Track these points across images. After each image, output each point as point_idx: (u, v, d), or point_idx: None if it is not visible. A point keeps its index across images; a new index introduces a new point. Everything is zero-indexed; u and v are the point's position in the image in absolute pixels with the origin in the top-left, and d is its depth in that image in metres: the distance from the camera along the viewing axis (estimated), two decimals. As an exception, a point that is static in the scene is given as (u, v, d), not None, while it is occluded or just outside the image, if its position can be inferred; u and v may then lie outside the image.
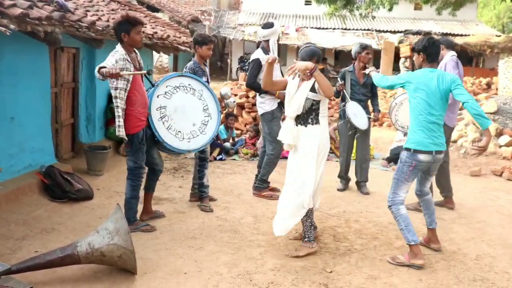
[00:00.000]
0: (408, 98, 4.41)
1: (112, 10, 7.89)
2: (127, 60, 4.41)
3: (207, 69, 5.68)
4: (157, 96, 4.82)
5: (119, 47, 4.46)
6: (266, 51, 5.87)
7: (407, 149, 4.30)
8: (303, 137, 4.34)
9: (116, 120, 4.41)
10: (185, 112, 4.99)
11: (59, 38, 4.89)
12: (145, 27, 7.98)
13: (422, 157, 4.24)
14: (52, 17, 4.71)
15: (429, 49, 4.37)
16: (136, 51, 4.65)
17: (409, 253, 4.26)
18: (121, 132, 4.42)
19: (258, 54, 5.93)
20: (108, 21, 6.18)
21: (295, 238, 4.71)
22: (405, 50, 10.85)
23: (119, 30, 4.46)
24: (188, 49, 9.61)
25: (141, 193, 4.93)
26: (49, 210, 5.21)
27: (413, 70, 5.13)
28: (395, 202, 4.35)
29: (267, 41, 5.85)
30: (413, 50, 4.54)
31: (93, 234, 3.75)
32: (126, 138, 4.49)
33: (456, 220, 5.59)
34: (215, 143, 8.46)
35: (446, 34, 23.28)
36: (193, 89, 5.12)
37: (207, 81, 5.55)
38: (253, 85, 5.93)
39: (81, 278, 3.72)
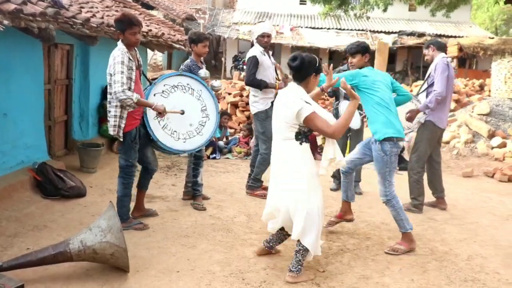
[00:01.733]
0: (368, 92, 4.59)
1: (107, 7, 7.85)
2: (129, 58, 4.41)
3: (204, 67, 5.69)
4: (154, 95, 4.80)
5: (120, 44, 4.46)
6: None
7: (390, 139, 4.48)
8: None
9: (115, 120, 4.41)
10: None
11: (53, 35, 4.86)
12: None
13: (400, 143, 4.61)
14: (46, 13, 4.68)
15: (369, 50, 4.90)
16: (135, 48, 4.64)
17: (406, 241, 4.56)
18: (119, 132, 4.44)
19: (254, 51, 5.93)
20: (102, 18, 6.15)
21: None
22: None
23: (116, 27, 4.50)
24: (183, 47, 9.60)
25: (134, 190, 4.92)
26: (41, 207, 5.19)
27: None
28: (393, 194, 4.53)
29: None
30: (357, 52, 4.84)
31: (85, 231, 3.74)
32: (122, 138, 4.49)
33: (448, 220, 5.61)
34: (212, 142, 8.48)
35: (440, 36, 23.39)
36: (191, 88, 5.09)
37: None
38: (252, 83, 5.93)
39: (73, 275, 3.70)
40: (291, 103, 3.72)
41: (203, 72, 5.86)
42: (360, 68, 4.74)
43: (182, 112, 4.92)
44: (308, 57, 3.81)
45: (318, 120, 3.70)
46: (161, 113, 4.59)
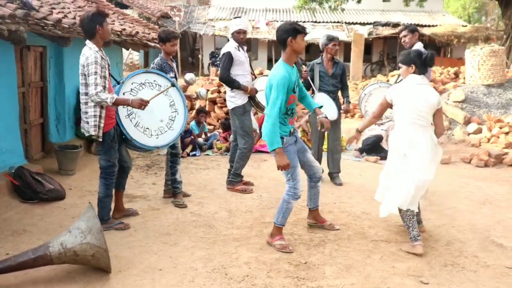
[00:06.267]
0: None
1: (79, 7, 7.78)
2: (102, 57, 4.37)
3: (174, 65, 5.67)
4: (123, 94, 4.77)
5: (90, 44, 4.39)
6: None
7: None
8: None
9: (95, 120, 4.36)
10: (152, 108, 4.94)
11: (23, 37, 4.79)
12: (113, 23, 7.89)
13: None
14: (15, 15, 4.61)
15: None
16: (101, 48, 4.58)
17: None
18: (99, 132, 4.39)
19: (228, 47, 5.94)
20: (74, 18, 6.09)
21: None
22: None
23: (93, 23, 4.36)
24: (158, 45, 9.54)
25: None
26: (20, 212, 5.13)
27: None
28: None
29: None
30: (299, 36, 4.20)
31: (65, 234, 3.71)
32: (101, 139, 4.45)
33: (427, 207, 5.66)
34: (192, 140, 8.47)
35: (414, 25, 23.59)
36: (158, 85, 5.08)
37: (175, 77, 5.54)
38: (226, 80, 5.92)
39: (54, 278, 3.68)
40: (434, 92, 4.37)
41: (189, 76, 5.85)
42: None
43: (173, 85, 5.00)
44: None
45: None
46: (143, 105, 4.49)
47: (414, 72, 4.38)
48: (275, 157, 4.14)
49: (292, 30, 4.15)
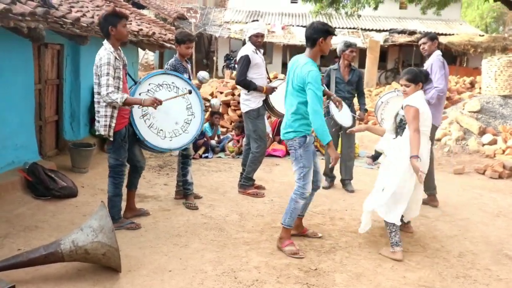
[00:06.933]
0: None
1: (97, 6, 7.82)
2: (116, 58, 4.39)
3: (189, 66, 5.67)
4: (139, 94, 4.78)
5: (107, 44, 4.42)
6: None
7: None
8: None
9: (105, 119, 4.38)
10: (167, 110, 4.93)
11: (42, 34, 4.83)
12: (130, 23, 7.94)
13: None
14: (35, 12, 4.65)
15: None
16: (119, 47, 4.61)
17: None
18: (109, 132, 4.41)
19: (246, 50, 5.93)
20: (92, 17, 6.12)
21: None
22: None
23: (106, 23, 4.41)
24: (174, 46, 9.58)
25: (124, 190, 4.91)
26: (32, 208, 5.16)
27: None
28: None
29: None
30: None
31: (77, 231, 3.72)
32: (112, 138, 4.47)
33: (440, 217, 5.64)
34: (205, 142, 8.47)
35: (431, 34, 23.44)
36: (176, 87, 5.08)
37: (189, 78, 5.55)
38: (242, 83, 5.92)
39: (64, 276, 3.69)
40: None
41: (202, 75, 5.84)
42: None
43: (190, 92, 4.99)
44: None
45: None
46: (156, 104, 4.47)
47: (421, 89, 4.69)
48: (326, 150, 4.33)
49: (325, 31, 4.23)
